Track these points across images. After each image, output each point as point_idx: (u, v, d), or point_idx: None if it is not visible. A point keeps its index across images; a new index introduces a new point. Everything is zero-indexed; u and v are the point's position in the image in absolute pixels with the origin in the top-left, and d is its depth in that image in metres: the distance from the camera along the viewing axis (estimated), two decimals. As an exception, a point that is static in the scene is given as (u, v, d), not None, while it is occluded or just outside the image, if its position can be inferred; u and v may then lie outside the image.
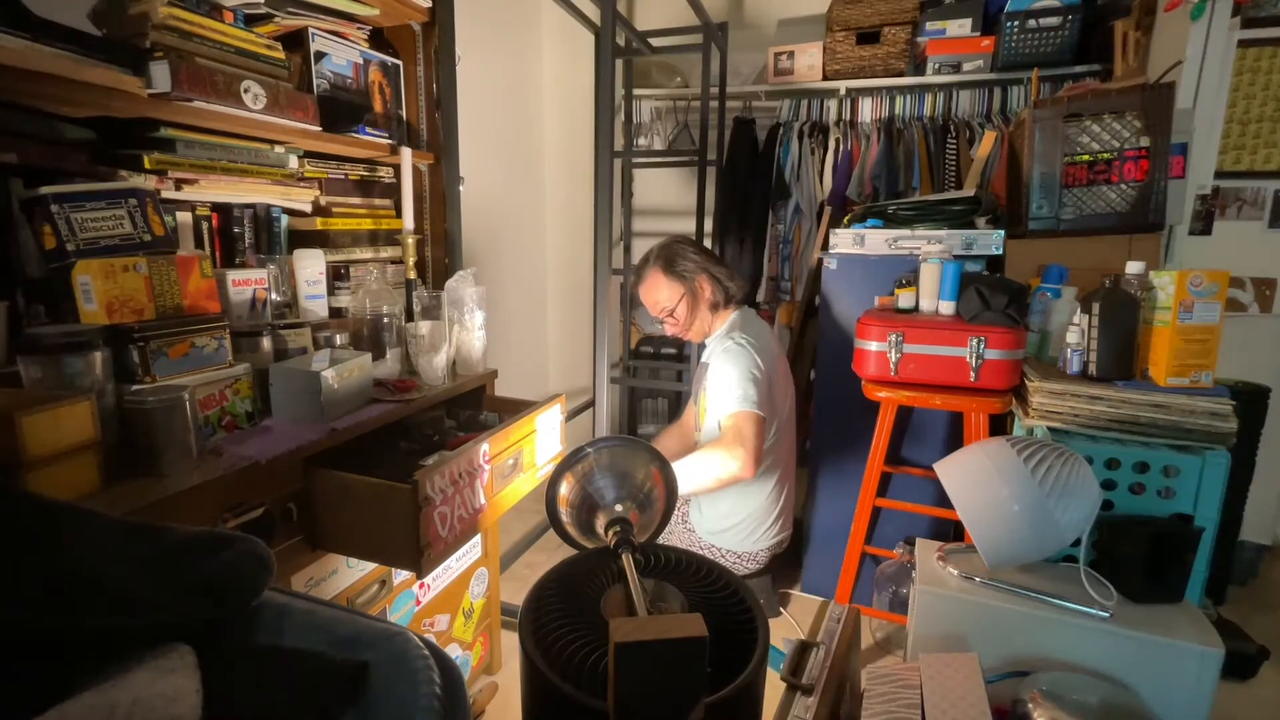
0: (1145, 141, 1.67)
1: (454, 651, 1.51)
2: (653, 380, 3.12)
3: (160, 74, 1.02)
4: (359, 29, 1.51)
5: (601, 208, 1.83)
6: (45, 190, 0.96)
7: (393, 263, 1.63)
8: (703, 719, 0.54)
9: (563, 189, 3.24)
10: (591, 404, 2.77)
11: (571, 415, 2.91)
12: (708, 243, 2.87)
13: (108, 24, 1.07)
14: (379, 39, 1.63)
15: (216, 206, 1.25)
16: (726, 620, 0.66)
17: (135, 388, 0.92)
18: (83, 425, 0.82)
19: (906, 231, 1.80)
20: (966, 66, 2.51)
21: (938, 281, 1.62)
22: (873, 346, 1.57)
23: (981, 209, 1.78)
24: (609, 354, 1.85)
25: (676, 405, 3.09)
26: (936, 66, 2.55)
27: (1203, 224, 2.15)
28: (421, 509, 1.01)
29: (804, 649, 1.02)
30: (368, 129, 1.47)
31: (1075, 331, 1.36)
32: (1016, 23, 2.38)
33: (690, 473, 1.58)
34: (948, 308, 1.60)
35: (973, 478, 1.13)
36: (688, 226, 2.84)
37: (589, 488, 0.81)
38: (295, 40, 1.39)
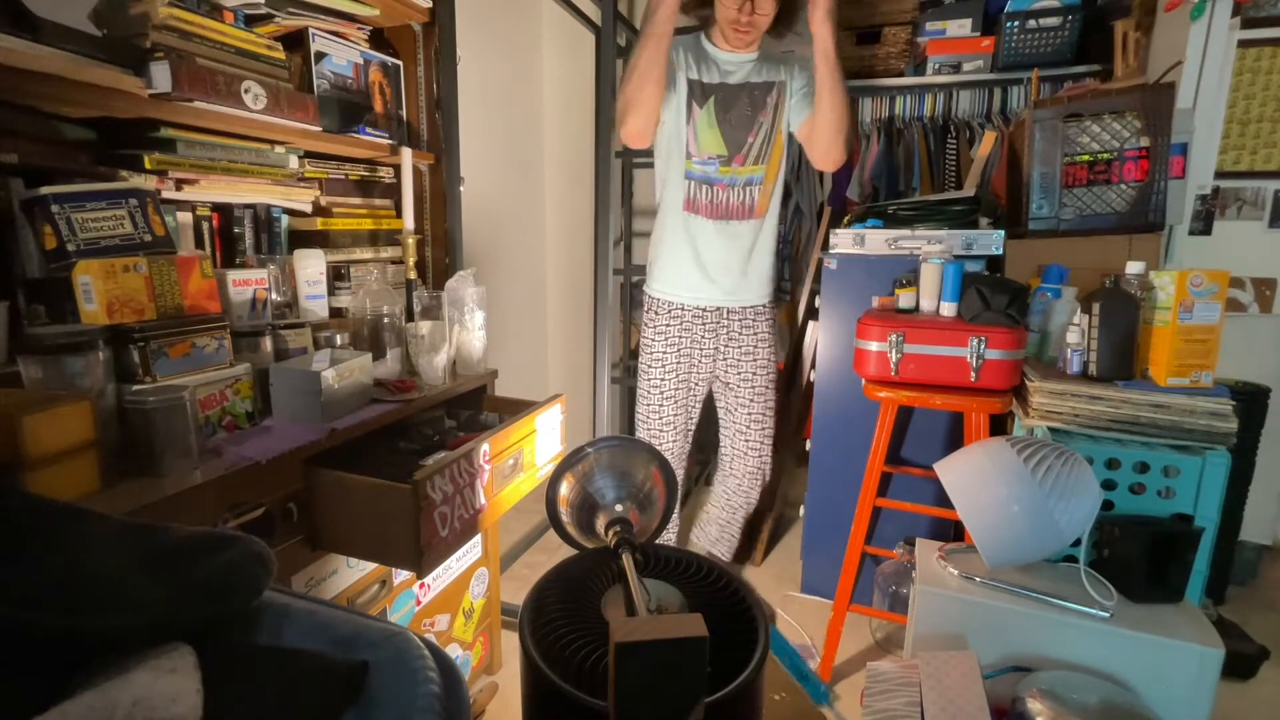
0: (1145, 141, 1.67)
1: (454, 651, 1.51)
2: (653, 380, 3.11)
3: (160, 74, 1.02)
4: (359, 29, 1.51)
5: (601, 208, 1.84)
6: (46, 190, 0.96)
7: (393, 263, 1.63)
8: (702, 719, 0.54)
9: (563, 189, 3.24)
10: (592, 404, 2.77)
11: (571, 415, 2.91)
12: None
13: (108, 24, 1.07)
14: (379, 39, 1.63)
15: (217, 206, 1.25)
16: (726, 620, 0.66)
17: (135, 388, 0.92)
18: (83, 425, 0.82)
19: (906, 231, 1.80)
20: (966, 66, 2.51)
21: (938, 282, 1.62)
22: (873, 346, 1.57)
23: (981, 209, 1.78)
24: (609, 354, 1.85)
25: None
26: (936, 66, 2.54)
27: (1203, 224, 2.15)
28: (421, 509, 1.01)
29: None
30: (368, 129, 1.47)
31: (1075, 331, 1.36)
32: (1016, 23, 2.38)
33: None
34: (949, 308, 1.60)
35: (973, 478, 1.13)
36: (688, 226, 2.83)
37: (589, 488, 0.81)
38: (295, 40, 1.39)
